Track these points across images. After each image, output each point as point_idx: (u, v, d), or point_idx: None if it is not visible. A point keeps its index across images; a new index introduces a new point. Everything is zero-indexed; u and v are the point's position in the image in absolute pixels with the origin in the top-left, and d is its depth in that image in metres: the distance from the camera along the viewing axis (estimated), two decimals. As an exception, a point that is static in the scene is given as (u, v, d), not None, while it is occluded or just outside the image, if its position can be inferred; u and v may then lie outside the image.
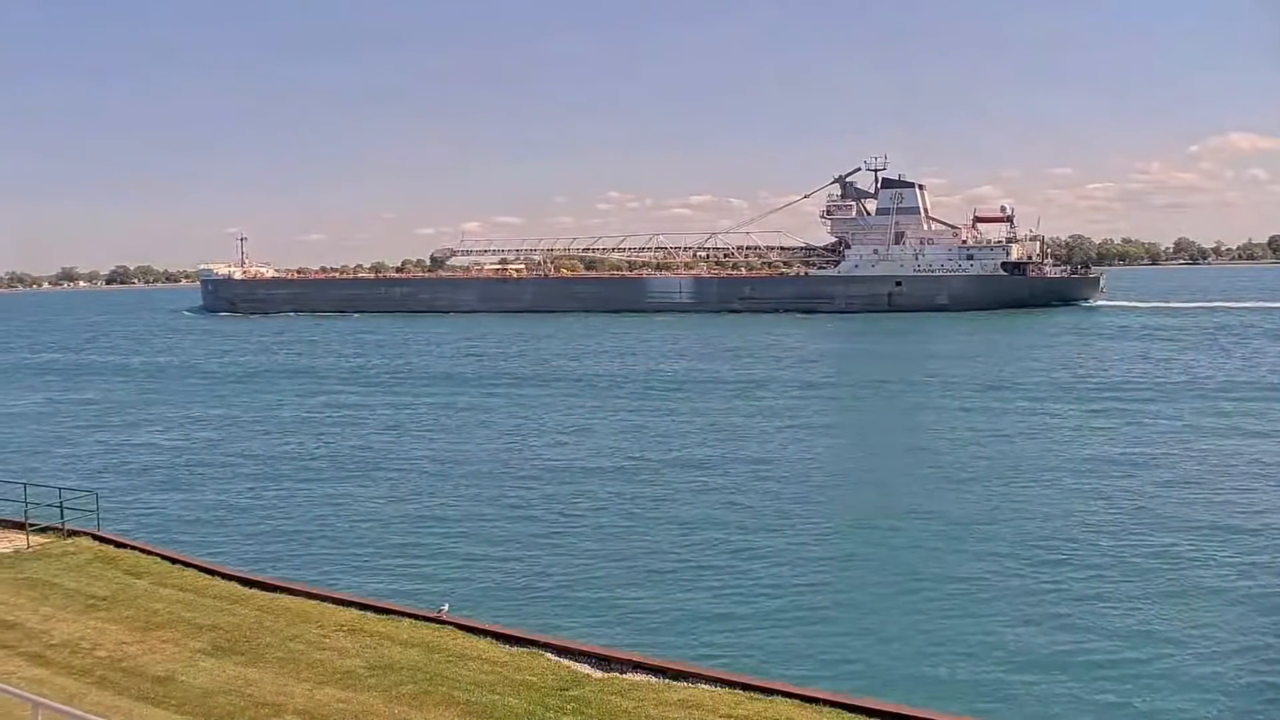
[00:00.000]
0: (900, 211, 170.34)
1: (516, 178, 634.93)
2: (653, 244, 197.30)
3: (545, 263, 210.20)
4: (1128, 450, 50.05)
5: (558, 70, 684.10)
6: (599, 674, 20.37)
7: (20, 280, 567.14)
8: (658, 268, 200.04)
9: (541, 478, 46.43)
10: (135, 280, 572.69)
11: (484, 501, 42.19)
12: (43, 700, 14.32)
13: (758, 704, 18.64)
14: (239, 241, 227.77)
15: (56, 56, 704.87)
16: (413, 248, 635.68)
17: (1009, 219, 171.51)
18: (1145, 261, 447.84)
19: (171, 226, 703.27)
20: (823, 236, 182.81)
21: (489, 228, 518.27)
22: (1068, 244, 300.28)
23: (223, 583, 26.43)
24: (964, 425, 58.47)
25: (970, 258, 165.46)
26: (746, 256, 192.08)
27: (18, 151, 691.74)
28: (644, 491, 43.33)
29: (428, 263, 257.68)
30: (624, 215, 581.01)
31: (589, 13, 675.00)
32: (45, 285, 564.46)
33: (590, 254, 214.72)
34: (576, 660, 21.15)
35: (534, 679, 19.81)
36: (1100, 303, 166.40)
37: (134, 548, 29.72)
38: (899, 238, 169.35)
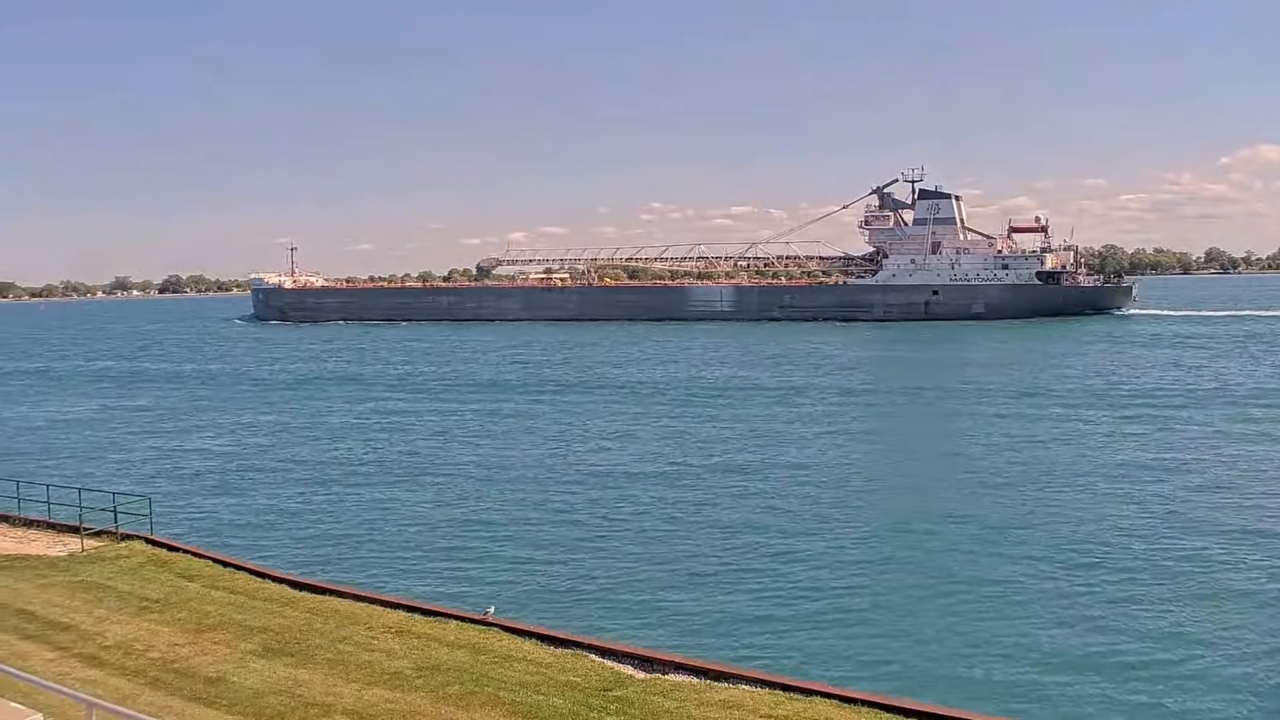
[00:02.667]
0: (937, 222, 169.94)
1: (561, 189, 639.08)
2: (694, 254, 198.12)
3: (589, 272, 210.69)
4: (1160, 455, 49.92)
5: (601, 84, 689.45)
6: (642, 675, 20.65)
7: (75, 289, 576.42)
8: (699, 277, 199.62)
9: (585, 482, 46.74)
10: (187, 289, 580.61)
11: (529, 506, 42.55)
12: (97, 701, 14.77)
13: (797, 704, 18.91)
14: (289, 251, 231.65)
15: (113, 71, 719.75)
16: (459, 257, 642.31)
17: (1043, 229, 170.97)
18: (1177, 271, 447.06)
19: (223, 237, 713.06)
20: (861, 246, 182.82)
21: (534, 237, 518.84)
22: (1101, 254, 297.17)
23: (273, 585, 26.91)
24: (999, 431, 58.45)
25: (1005, 267, 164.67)
26: (786, 266, 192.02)
27: (74, 164, 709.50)
28: (685, 496, 43.62)
29: (474, 272, 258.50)
30: (666, 225, 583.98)
31: (632, 28, 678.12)
32: (99, 294, 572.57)
33: (633, 263, 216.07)
34: (620, 661, 21.43)
35: (578, 679, 20.16)
36: (1133, 311, 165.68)
37: (186, 551, 30.28)
38: (935, 247, 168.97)
